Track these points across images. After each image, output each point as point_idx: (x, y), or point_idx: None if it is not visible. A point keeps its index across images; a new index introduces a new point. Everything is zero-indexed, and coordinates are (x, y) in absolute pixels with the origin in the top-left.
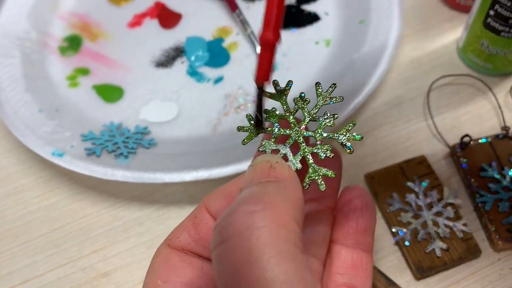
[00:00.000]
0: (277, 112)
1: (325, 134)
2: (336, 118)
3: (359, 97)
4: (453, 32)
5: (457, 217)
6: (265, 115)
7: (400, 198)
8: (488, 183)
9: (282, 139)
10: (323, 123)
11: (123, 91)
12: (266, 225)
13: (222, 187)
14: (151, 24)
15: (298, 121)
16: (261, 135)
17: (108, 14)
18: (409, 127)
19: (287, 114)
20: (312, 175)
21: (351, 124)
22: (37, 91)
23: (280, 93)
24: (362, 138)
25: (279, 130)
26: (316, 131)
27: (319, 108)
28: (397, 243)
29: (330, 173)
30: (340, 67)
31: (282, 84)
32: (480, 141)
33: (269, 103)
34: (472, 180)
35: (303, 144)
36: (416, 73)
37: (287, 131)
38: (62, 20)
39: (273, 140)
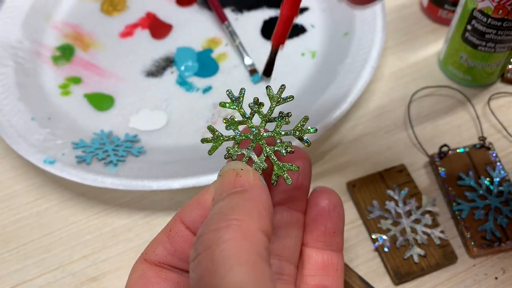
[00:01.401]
0: (236, 119)
1: (282, 132)
2: (290, 116)
3: (342, 107)
4: (435, 45)
5: (435, 225)
6: (225, 124)
7: (380, 205)
8: (465, 192)
9: (245, 144)
10: (279, 123)
11: (114, 100)
12: (230, 238)
13: (195, 198)
14: (143, 35)
15: (256, 126)
16: (225, 144)
17: (101, 24)
18: (390, 137)
19: (245, 119)
20: (278, 171)
21: (303, 120)
22: (30, 100)
23: (236, 101)
24: (316, 130)
25: (240, 136)
26: (274, 130)
27: (273, 109)
28: (376, 249)
29: (293, 167)
30: (325, 77)
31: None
32: (458, 150)
33: (228, 112)
34: (450, 188)
35: (264, 145)
36: (398, 84)
37: (248, 135)
38: (55, 29)
39: (236, 146)
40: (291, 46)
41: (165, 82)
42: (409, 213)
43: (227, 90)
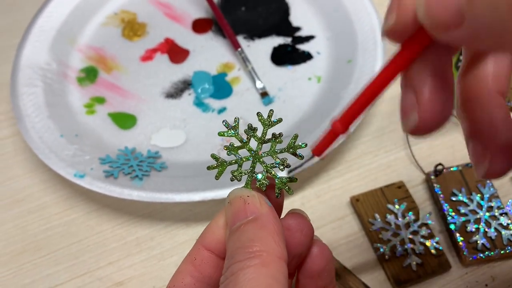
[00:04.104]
0: (235, 145)
1: (278, 151)
2: (282, 136)
3: None
4: None
5: (431, 236)
6: (226, 151)
7: (381, 218)
8: (458, 206)
9: (246, 165)
10: (273, 143)
11: (136, 119)
12: (252, 265)
13: (213, 222)
14: (162, 59)
15: (253, 149)
16: (229, 168)
17: (122, 48)
18: (389, 156)
19: (243, 144)
20: (280, 185)
21: (294, 138)
22: (58, 118)
23: (233, 129)
24: (306, 145)
25: (241, 159)
26: (270, 150)
27: (266, 132)
28: (378, 258)
29: (293, 178)
30: (330, 101)
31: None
32: (451, 169)
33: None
34: (444, 203)
35: (264, 164)
36: (397, 108)
37: (248, 158)
38: (80, 52)
39: (239, 168)
40: (299, 71)
41: (183, 103)
42: (407, 226)
43: (223, 121)
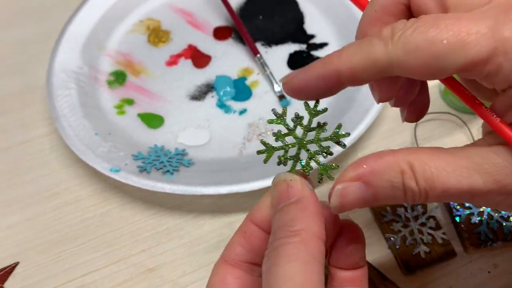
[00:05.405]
0: (282, 132)
1: (322, 139)
2: (326, 125)
3: (359, 128)
4: None
5: (438, 227)
6: (274, 137)
7: (392, 211)
8: None
9: (292, 151)
10: (318, 131)
11: (163, 119)
12: (292, 242)
13: (260, 202)
14: (186, 64)
15: (299, 136)
16: (276, 153)
17: (148, 54)
18: None
19: (289, 131)
20: (322, 171)
21: (338, 127)
22: (92, 118)
23: (280, 117)
24: (349, 134)
25: (287, 145)
26: (315, 138)
27: (311, 120)
28: (389, 247)
29: (334, 165)
30: (344, 103)
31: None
32: None
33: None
34: None
35: (308, 150)
36: None
37: (294, 144)
38: (109, 57)
39: (286, 154)
40: None
41: (207, 105)
42: (416, 218)
43: (272, 109)
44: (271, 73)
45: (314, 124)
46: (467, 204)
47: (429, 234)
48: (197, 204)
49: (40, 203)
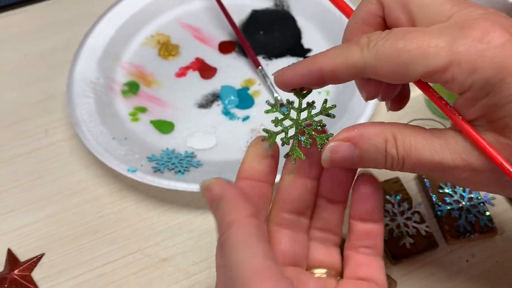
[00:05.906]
0: (279, 118)
1: (314, 115)
2: (315, 103)
3: None
4: None
5: (422, 221)
6: (273, 124)
7: None
8: (444, 197)
9: (291, 132)
10: (309, 109)
11: (174, 125)
12: (230, 233)
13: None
14: (193, 75)
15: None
16: (278, 137)
17: (159, 66)
18: None
19: (285, 115)
20: (320, 141)
21: (324, 102)
22: (109, 124)
23: (275, 106)
24: (335, 106)
25: (286, 127)
26: (308, 115)
27: (301, 102)
28: None
29: (330, 134)
30: (337, 113)
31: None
32: None
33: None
34: (433, 195)
35: (305, 128)
36: (393, 117)
37: (292, 125)
38: (123, 69)
39: (286, 135)
40: None
41: (213, 113)
42: (402, 213)
43: (266, 101)
44: (271, 83)
45: (304, 105)
46: (448, 201)
47: (414, 227)
48: (205, 201)
49: (62, 201)
